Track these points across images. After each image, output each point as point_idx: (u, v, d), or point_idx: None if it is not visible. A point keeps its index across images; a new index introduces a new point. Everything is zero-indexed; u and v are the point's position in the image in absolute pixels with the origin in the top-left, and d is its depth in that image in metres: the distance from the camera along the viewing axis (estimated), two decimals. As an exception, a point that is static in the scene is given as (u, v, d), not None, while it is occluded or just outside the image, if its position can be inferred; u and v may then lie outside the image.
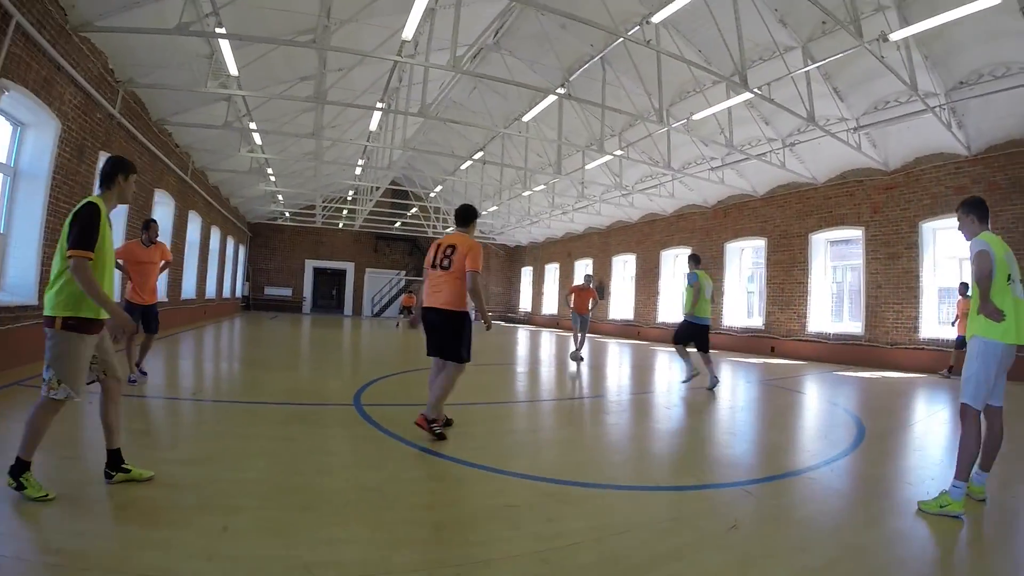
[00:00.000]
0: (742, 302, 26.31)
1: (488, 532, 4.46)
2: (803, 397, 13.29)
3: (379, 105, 18.74)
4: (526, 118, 19.71)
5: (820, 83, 16.61)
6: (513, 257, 49.90)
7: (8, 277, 10.85)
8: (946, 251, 18.81)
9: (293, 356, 17.54)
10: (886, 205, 19.85)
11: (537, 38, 18.51)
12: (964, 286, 15.64)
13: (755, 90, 14.77)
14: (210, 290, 28.35)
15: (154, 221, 10.16)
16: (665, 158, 21.09)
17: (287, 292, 43.02)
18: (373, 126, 20.15)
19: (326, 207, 37.12)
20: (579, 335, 17.73)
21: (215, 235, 28.72)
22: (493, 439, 7.41)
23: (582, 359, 17.51)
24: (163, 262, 10.07)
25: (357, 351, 20.70)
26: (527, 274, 47.78)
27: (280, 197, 32.80)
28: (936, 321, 18.79)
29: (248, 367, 13.95)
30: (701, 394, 11.92)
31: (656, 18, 13.33)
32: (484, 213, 34.32)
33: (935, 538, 4.65)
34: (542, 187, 28.44)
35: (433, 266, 7.30)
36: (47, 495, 4.29)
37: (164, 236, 14.37)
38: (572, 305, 17.95)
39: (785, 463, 7.28)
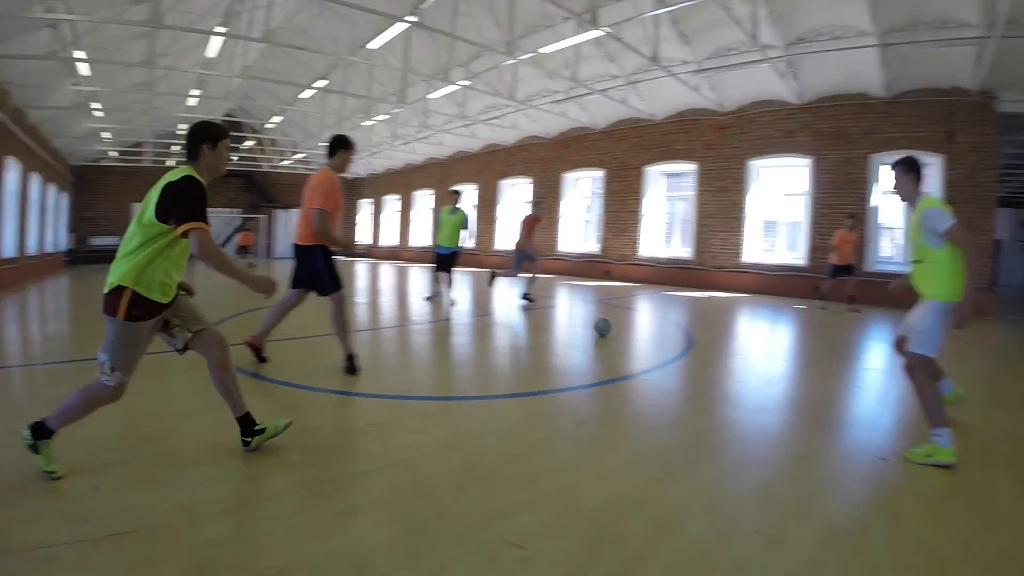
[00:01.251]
0: (579, 229, 26.96)
1: (357, 448, 4.68)
2: (636, 314, 14.20)
3: (219, 29, 16.80)
4: (372, 45, 18.98)
5: (668, 27, 17.09)
6: (352, 189, 46.80)
7: None
8: (770, 187, 20.56)
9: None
10: (719, 143, 21.04)
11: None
12: (852, 220, 16.09)
13: (606, 29, 14.79)
14: (31, 245, 23.38)
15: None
16: (510, 90, 21.00)
17: (115, 241, 37.90)
18: (212, 52, 18.39)
19: (156, 143, 33.92)
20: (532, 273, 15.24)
21: (35, 182, 23.64)
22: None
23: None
24: None
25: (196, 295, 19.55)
26: (366, 206, 45.85)
27: (106, 136, 28.63)
28: (760, 248, 20.50)
29: (84, 326, 12.72)
30: (539, 313, 12.76)
31: None
32: (323, 144, 32.17)
33: (761, 423, 5.58)
34: (385, 117, 27.31)
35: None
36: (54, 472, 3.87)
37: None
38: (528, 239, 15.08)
39: (623, 369, 7.99)
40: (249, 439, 4.36)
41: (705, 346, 9.50)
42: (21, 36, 15.01)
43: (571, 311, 13.83)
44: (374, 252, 43.42)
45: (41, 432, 3.88)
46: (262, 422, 4.39)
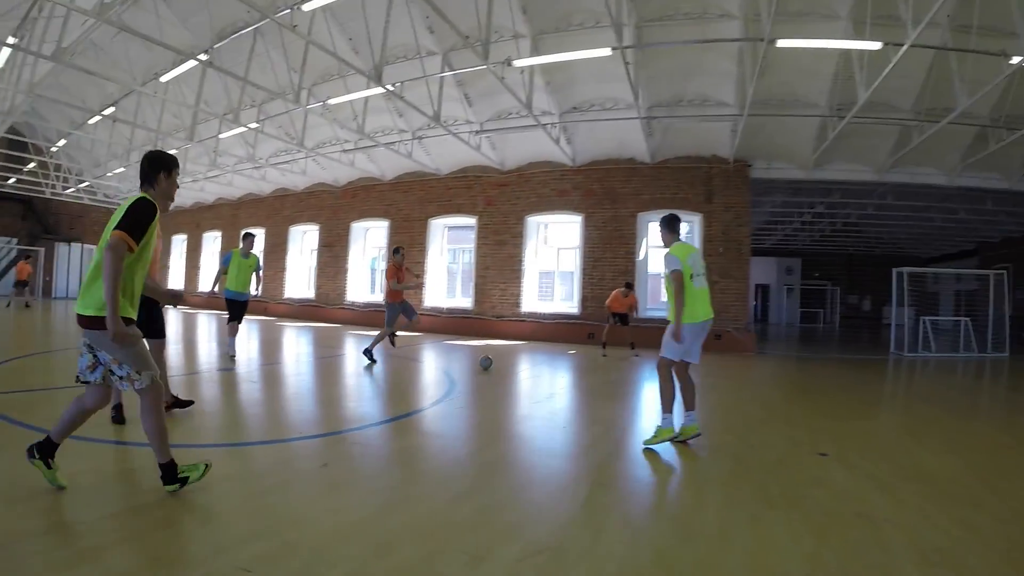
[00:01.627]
0: (367, 279, 27.02)
1: (112, 491, 4.72)
2: (413, 363, 14.29)
3: (10, 40, 15.14)
4: (164, 79, 18.03)
5: (453, 88, 17.90)
6: None
7: None
8: (547, 241, 22.14)
9: None
10: (498, 199, 22.18)
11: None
12: (627, 287, 17.32)
13: (389, 86, 15.55)
14: None
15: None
16: (300, 136, 21.12)
17: None
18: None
19: None
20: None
21: None
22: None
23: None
24: None
25: None
26: None
27: None
28: (537, 298, 21.70)
29: None
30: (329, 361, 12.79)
31: (307, 7, 13.13)
32: (111, 174, 29.87)
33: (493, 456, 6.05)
34: (174, 151, 26.05)
35: None
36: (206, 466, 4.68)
37: None
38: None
39: (377, 415, 8.37)
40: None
41: (463, 390, 10.11)
42: None
43: (358, 360, 13.75)
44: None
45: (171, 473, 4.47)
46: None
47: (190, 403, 7.41)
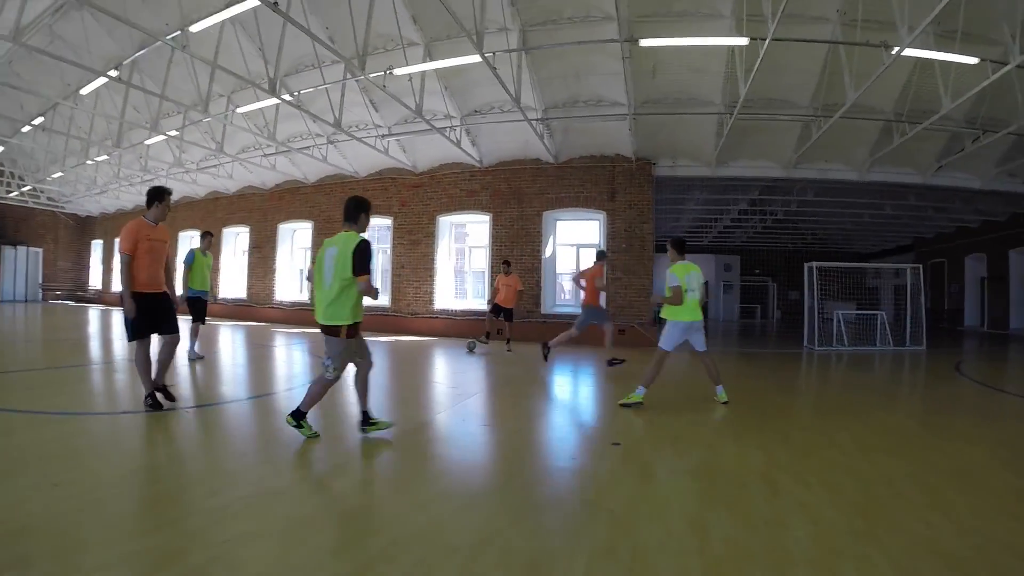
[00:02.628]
0: (295, 278, 27.10)
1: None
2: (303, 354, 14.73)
3: None
4: (84, 91, 18.23)
5: (356, 93, 17.91)
6: (84, 228, 42.27)
7: None
8: (456, 240, 22.55)
9: None
10: (412, 200, 22.45)
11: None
12: (506, 265, 17.00)
13: (286, 96, 15.85)
14: None
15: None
16: (219, 142, 21.38)
17: None
18: None
19: None
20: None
21: None
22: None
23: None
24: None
25: None
26: (97, 247, 41.24)
27: None
28: (451, 296, 22.15)
29: None
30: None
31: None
32: (50, 178, 30.72)
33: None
34: (104, 158, 25.75)
35: None
36: (316, 434, 6.37)
37: None
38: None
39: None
40: (366, 427, 6.62)
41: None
42: None
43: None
44: (105, 298, 38.86)
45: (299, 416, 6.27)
46: (375, 420, 6.73)
47: (172, 399, 7.81)
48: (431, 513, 4.46)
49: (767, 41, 11.37)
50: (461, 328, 20.35)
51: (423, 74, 15.86)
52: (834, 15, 12.91)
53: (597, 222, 19.93)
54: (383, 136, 19.86)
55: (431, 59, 15.19)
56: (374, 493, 5.25)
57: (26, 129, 23.82)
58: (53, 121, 22.07)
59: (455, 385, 11.08)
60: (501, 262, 17.85)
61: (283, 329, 22.34)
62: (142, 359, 7.42)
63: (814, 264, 20.38)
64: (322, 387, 6.29)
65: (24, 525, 3.93)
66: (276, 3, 11.07)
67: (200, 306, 12.98)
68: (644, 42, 12.91)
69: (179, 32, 14.02)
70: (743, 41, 12.42)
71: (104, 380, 10.27)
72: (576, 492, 5.14)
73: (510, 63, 14.75)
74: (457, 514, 4.49)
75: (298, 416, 6.29)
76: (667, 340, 8.73)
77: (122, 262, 7.20)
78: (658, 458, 6.26)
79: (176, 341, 7.73)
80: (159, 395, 7.56)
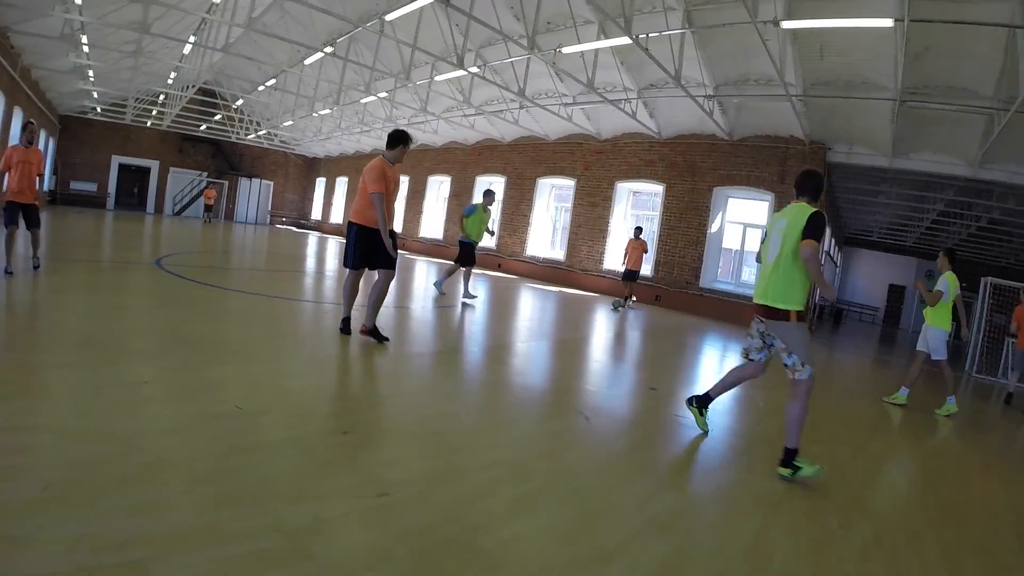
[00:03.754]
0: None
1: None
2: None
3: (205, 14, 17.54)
4: (390, 17, 17.27)
5: (541, 64, 18.31)
6: (310, 167, 49.59)
7: None
8: (632, 206, 23.30)
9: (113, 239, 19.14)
10: (594, 165, 23.55)
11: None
12: (638, 230, 18.46)
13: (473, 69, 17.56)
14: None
15: (31, 122, 10.19)
16: (424, 101, 23.24)
17: (93, 187, 38.88)
18: None
19: (139, 100, 34.76)
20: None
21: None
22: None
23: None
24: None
25: (159, 236, 22.35)
26: (320, 184, 48.37)
27: (91, 75, 26.88)
28: (618, 258, 22.30)
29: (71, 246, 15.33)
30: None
31: None
32: (282, 126, 35.17)
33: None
34: (327, 112, 29.25)
35: None
36: (820, 469, 4.90)
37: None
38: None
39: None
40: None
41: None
42: None
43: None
44: (323, 227, 45.72)
45: (791, 457, 4.93)
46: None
47: (385, 339, 7.73)
48: None
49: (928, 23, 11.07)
50: (622, 289, 20.28)
51: (596, 50, 16.43)
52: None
53: (766, 203, 19.53)
54: (567, 104, 20.97)
55: (605, 36, 15.60)
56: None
57: (261, 88, 27.91)
58: (285, 82, 25.81)
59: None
60: (634, 227, 18.82)
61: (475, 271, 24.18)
62: (349, 286, 7.69)
63: (989, 279, 17.40)
64: (798, 403, 4.97)
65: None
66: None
67: (469, 251, 14.04)
68: (785, 24, 12.76)
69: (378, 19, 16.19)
70: (887, 23, 11.59)
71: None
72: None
73: (669, 42, 15.19)
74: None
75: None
76: (941, 349, 9.08)
77: (378, 202, 7.17)
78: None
79: (391, 277, 7.63)
80: (369, 336, 7.69)
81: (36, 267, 9.71)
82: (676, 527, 3.77)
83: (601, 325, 14.17)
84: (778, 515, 4.18)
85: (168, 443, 3.73)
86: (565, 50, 15.95)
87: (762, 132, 19.34)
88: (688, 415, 5.99)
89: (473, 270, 14.44)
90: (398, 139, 7.50)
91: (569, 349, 10.47)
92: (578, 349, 10.65)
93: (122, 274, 11.82)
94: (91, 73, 26.62)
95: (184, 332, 6.95)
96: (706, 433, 5.76)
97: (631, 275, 17.96)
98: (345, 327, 7.84)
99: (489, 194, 14.41)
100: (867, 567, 3.60)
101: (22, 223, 9.85)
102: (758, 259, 5.34)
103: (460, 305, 13.28)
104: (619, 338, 12.81)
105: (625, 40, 14.19)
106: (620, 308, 17.52)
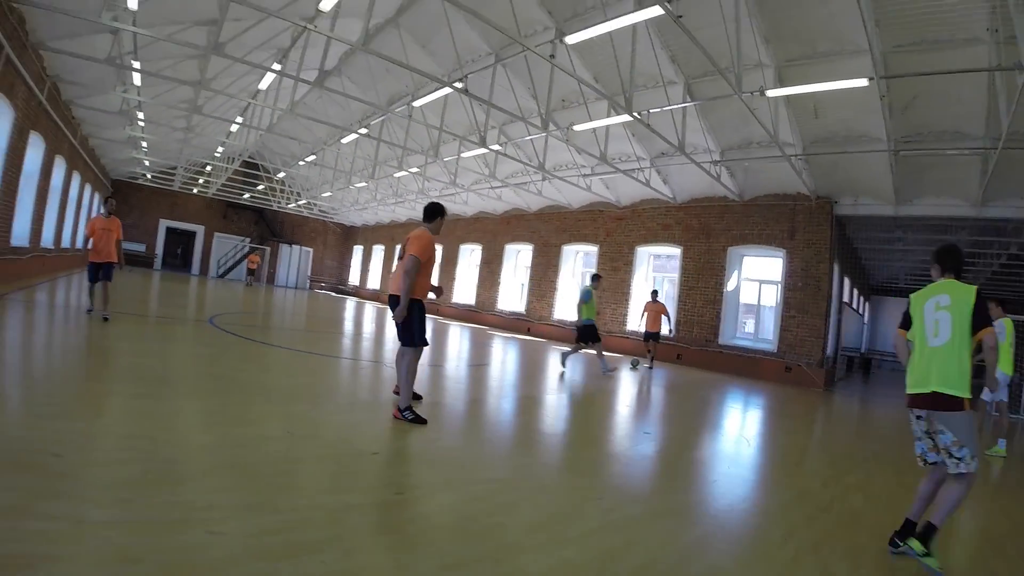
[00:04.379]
0: (516, 292, 30.54)
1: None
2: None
3: (275, 67, 18.50)
4: (418, 103, 18.53)
5: (559, 140, 19.64)
6: (347, 235, 52.30)
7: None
8: (652, 268, 24.20)
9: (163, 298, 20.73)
10: (615, 231, 24.65)
11: (438, 22, 16.34)
12: (654, 293, 19.29)
13: (636, 114, 18.62)
14: (79, 240, 27.43)
15: (111, 198, 13.13)
16: (453, 174, 25.13)
17: (141, 248, 41.66)
18: (263, 85, 19.13)
19: (188, 169, 37.78)
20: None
21: (87, 188, 28.67)
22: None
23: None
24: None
25: (206, 297, 23.96)
26: (358, 252, 50.16)
27: (144, 145, 29.63)
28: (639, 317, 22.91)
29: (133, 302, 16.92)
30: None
31: (570, 39, 13.16)
32: (321, 196, 37.51)
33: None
34: (363, 184, 31.24)
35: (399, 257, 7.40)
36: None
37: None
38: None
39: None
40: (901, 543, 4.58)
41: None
42: (83, 36, 15.52)
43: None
44: (361, 292, 47.69)
45: (929, 533, 4.38)
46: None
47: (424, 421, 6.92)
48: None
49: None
50: (643, 349, 20.73)
51: (607, 125, 17.50)
52: (984, 34, 11.79)
53: (779, 259, 20.05)
54: (585, 175, 22.26)
55: (615, 113, 16.21)
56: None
57: (302, 163, 30.08)
58: (323, 156, 28.19)
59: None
60: (651, 291, 19.73)
61: (501, 334, 25.19)
62: (414, 367, 7.19)
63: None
64: (961, 489, 4.47)
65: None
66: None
67: (593, 330, 15.24)
68: (770, 93, 13.33)
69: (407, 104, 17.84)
70: (862, 82, 12.15)
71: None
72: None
73: (671, 116, 16.43)
74: None
75: (927, 535, 4.36)
76: (1004, 391, 9.72)
77: (411, 265, 6.89)
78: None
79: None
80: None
81: (105, 319, 11.67)
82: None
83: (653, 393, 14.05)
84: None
85: (238, 453, 4.93)
86: (577, 127, 17.24)
87: (770, 191, 19.95)
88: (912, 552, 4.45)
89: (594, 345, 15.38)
90: (436, 212, 7.44)
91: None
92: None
93: (183, 328, 13.60)
94: (144, 144, 29.23)
95: (240, 377, 8.34)
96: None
97: (651, 336, 18.62)
98: (415, 416, 6.97)
99: (597, 278, 16.04)
100: None
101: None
102: (896, 344, 5.03)
103: (615, 376, 15.09)
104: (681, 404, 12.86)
105: (610, 120, 15.89)
106: (637, 367, 18.17)
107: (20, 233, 17.87)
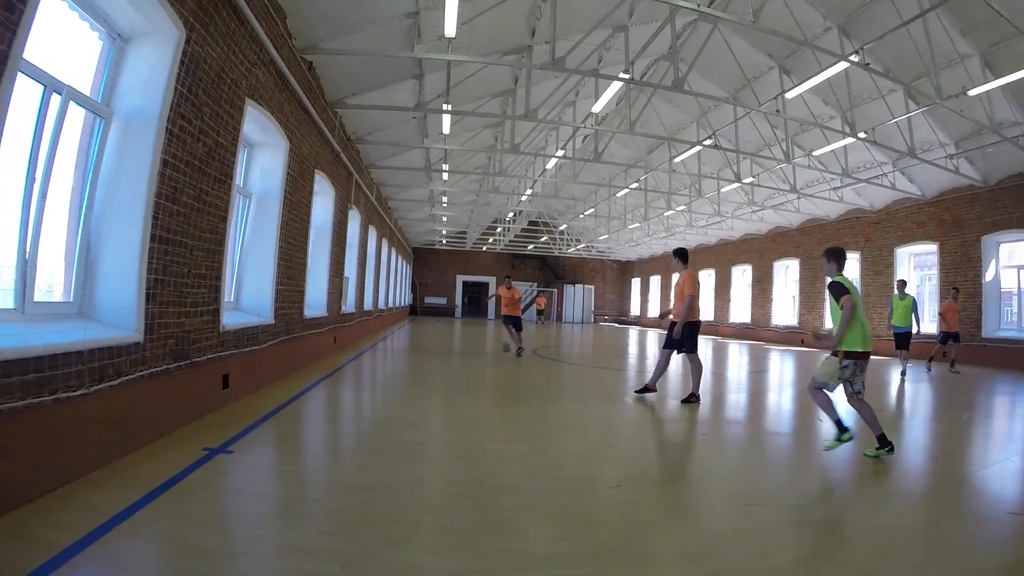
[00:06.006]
0: (789, 306, 32.01)
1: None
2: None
3: (559, 153, 20.44)
4: (678, 159, 21.87)
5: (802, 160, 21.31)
6: (624, 270, 56.97)
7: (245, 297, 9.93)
8: (913, 267, 24.52)
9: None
10: (874, 236, 25.52)
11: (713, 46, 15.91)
12: (955, 291, 18.08)
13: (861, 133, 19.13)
14: (393, 300, 34.67)
15: (509, 276, 19.48)
16: (717, 206, 27.95)
17: (443, 301, 51.72)
18: (550, 165, 23.28)
19: (476, 230, 44.14)
20: None
21: (397, 258, 35.58)
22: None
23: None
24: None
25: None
26: (635, 284, 55.36)
27: (444, 219, 38.60)
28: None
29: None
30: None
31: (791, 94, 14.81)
32: (599, 239, 42.82)
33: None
34: (636, 225, 34.64)
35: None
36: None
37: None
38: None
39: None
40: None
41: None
42: (402, 154, 21.42)
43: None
44: (641, 321, 51.49)
45: None
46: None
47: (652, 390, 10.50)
48: None
49: None
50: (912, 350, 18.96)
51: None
52: None
53: None
54: (835, 188, 23.62)
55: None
56: None
57: (582, 216, 34.97)
58: (597, 206, 32.33)
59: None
60: (951, 288, 18.88)
61: (776, 348, 27.61)
62: (664, 364, 10.32)
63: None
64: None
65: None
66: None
67: (902, 338, 16.12)
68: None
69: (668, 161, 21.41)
70: None
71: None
72: None
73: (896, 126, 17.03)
74: None
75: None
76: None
77: (691, 298, 9.84)
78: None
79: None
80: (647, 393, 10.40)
81: (518, 353, 17.64)
82: None
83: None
84: None
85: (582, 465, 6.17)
86: (816, 153, 19.06)
87: (1014, 171, 19.28)
88: None
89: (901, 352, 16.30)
90: (686, 254, 10.47)
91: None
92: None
93: (514, 360, 16.93)
94: (444, 218, 37.81)
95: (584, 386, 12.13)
96: None
97: (951, 337, 17.54)
98: (694, 396, 9.92)
99: (903, 283, 17.08)
100: None
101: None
102: None
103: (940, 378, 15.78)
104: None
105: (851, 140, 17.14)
106: (953, 370, 17.41)
107: (367, 302, 23.84)
